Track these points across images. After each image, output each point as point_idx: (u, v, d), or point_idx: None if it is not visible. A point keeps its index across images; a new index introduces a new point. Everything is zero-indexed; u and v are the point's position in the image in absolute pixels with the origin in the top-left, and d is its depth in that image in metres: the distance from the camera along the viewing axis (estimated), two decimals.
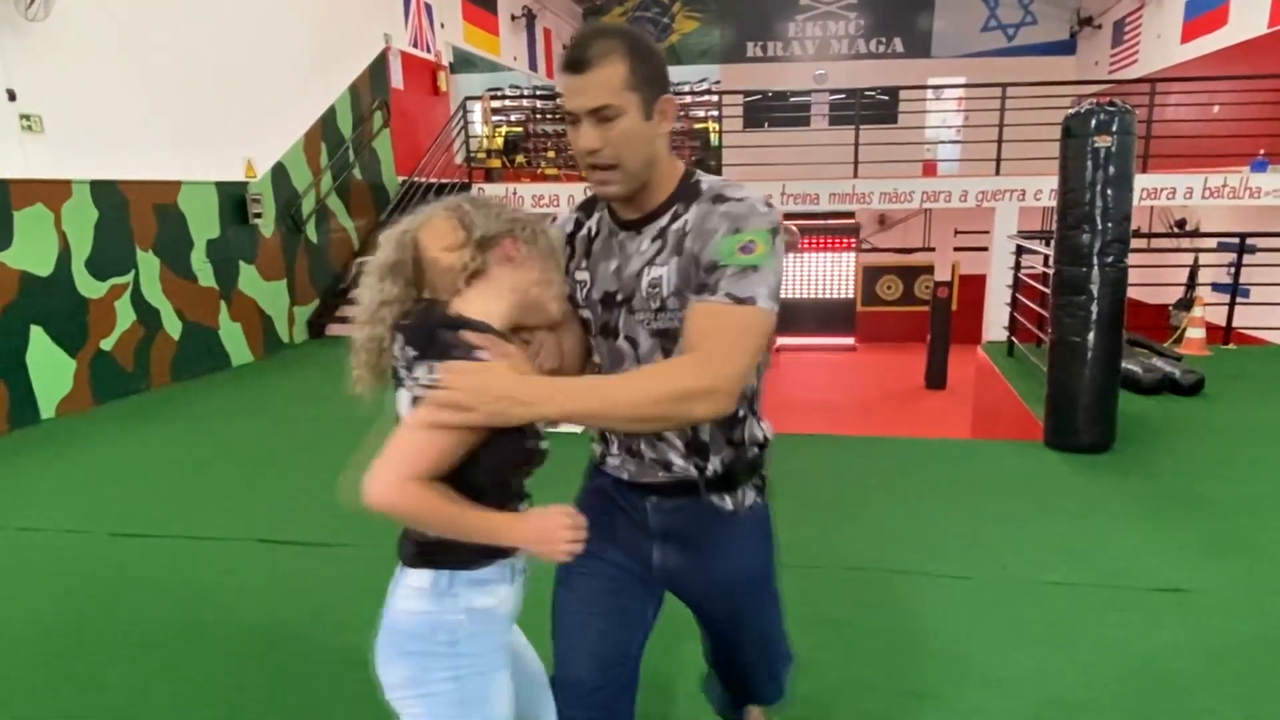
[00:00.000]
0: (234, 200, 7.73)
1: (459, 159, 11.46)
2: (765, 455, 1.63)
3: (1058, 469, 4.57)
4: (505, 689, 1.45)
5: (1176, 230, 11.88)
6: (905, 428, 8.59)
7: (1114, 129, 4.37)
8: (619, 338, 1.53)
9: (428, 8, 11.61)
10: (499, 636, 1.47)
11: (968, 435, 7.47)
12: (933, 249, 14.95)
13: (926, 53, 17.28)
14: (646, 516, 1.61)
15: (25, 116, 5.68)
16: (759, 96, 15.53)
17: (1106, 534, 3.70)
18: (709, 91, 16.28)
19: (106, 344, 6.36)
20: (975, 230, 12.17)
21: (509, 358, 1.32)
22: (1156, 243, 10.89)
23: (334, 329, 9.16)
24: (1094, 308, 4.55)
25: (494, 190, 11.15)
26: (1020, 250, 7.67)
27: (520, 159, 13.66)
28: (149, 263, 6.76)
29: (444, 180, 10.74)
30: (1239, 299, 7.72)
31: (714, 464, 1.56)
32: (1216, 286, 9.58)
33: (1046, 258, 6.02)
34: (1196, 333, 7.36)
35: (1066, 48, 16.79)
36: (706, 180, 1.49)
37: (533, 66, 15.69)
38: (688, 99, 16.23)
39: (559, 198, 10.68)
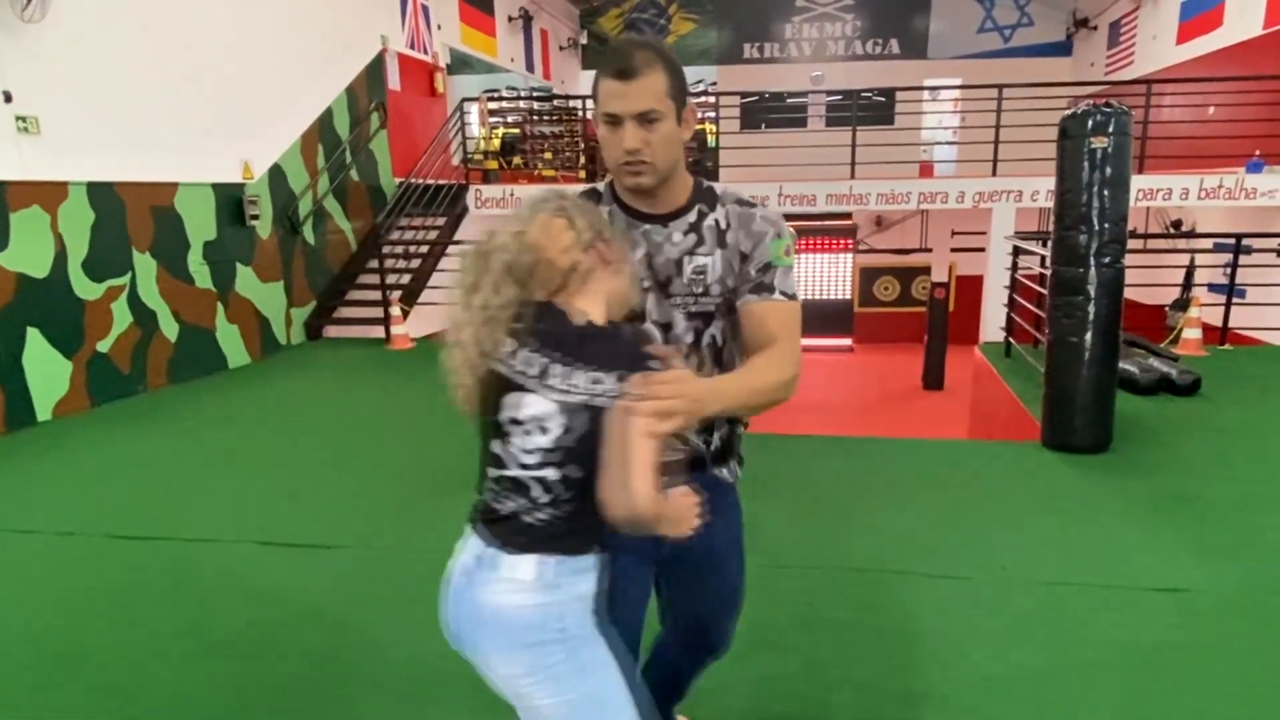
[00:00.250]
0: (231, 202, 7.72)
1: (456, 160, 11.46)
2: (743, 432, 1.84)
3: (1055, 469, 4.57)
4: (614, 640, 1.51)
5: (1173, 231, 11.91)
6: (902, 428, 8.59)
7: (1110, 130, 4.38)
8: (645, 321, 1.67)
9: (424, 9, 11.62)
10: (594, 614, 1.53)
11: (965, 436, 7.48)
12: (930, 250, 14.97)
13: (923, 54, 17.30)
14: (700, 459, 1.75)
15: (21, 118, 5.67)
16: (756, 98, 15.56)
17: (1104, 534, 3.71)
18: (706, 93, 16.33)
19: (103, 346, 6.35)
20: (972, 231, 12.19)
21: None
22: (1153, 243, 10.90)
23: (331, 330, 9.17)
24: (1091, 308, 4.56)
25: (491, 192, 11.16)
26: (1017, 251, 7.68)
27: (517, 160, 13.67)
28: (146, 264, 6.75)
29: (441, 182, 10.74)
30: (1235, 299, 7.73)
31: (715, 439, 1.76)
32: (1213, 287, 9.61)
33: (1043, 258, 6.03)
34: (1193, 333, 7.37)
35: (1062, 49, 16.82)
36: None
37: (529, 68, 15.69)
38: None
39: None
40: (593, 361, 1.37)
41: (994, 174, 10.39)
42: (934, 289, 11.90)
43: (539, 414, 1.39)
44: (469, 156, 11.68)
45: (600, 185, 1.74)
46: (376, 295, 8.93)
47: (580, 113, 14.02)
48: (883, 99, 14.31)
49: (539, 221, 1.44)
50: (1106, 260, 4.50)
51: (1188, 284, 10.32)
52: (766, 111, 16.09)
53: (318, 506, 4.21)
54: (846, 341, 14.91)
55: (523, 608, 1.42)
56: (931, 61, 17.13)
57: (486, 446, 1.50)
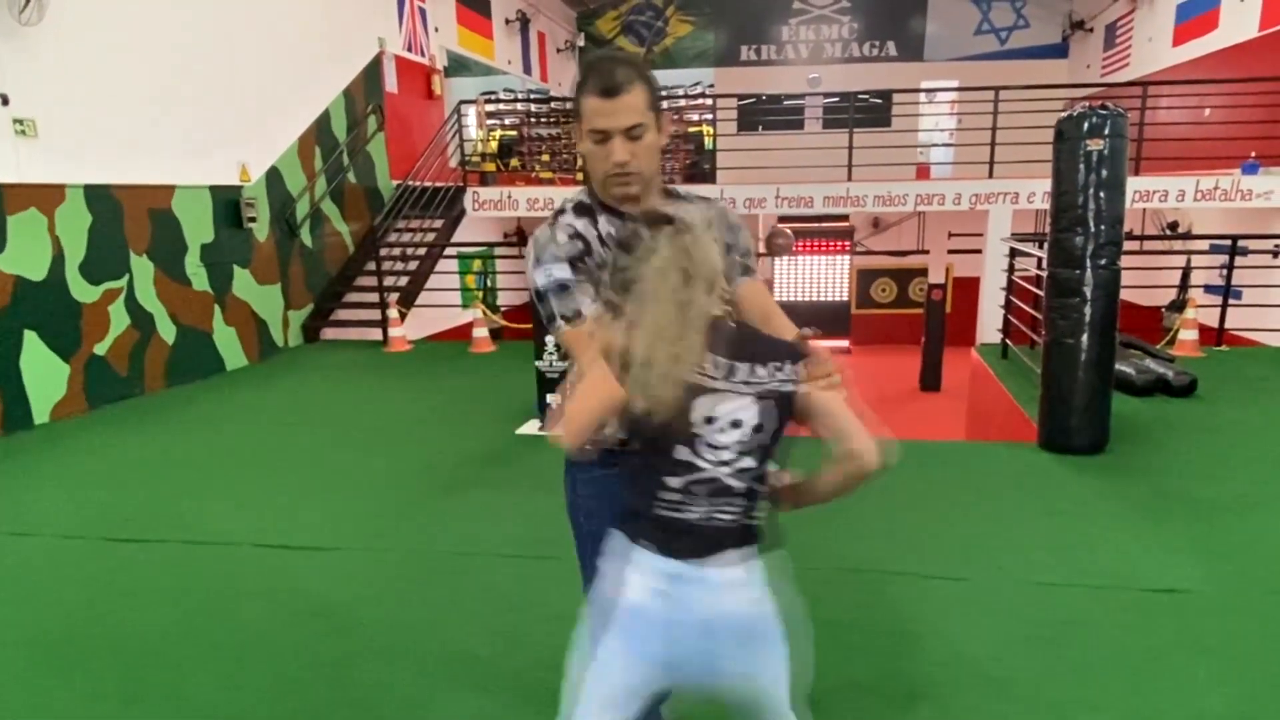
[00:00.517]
0: (228, 204, 7.72)
1: (453, 162, 11.46)
2: None
3: (1052, 470, 4.59)
4: None
5: (1169, 232, 11.93)
6: (900, 429, 8.54)
7: (1106, 132, 4.40)
8: None
9: (422, 12, 11.62)
10: None
11: (962, 437, 7.49)
12: (926, 251, 14.98)
13: (919, 56, 17.33)
14: None
15: (19, 121, 5.67)
16: (753, 100, 15.57)
17: (1101, 535, 3.72)
18: (703, 95, 16.33)
19: (100, 348, 6.34)
20: (969, 233, 12.21)
21: None
22: (1149, 245, 10.92)
23: (329, 333, 9.16)
24: (1087, 310, 4.57)
25: (488, 194, 11.16)
26: (1014, 253, 7.71)
27: (515, 162, 13.66)
28: (143, 267, 6.75)
29: (439, 184, 10.75)
30: (1231, 301, 7.76)
31: None
32: (1209, 288, 9.63)
33: (1040, 260, 6.05)
34: (1189, 334, 7.39)
35: (1059, 51, 16.86)
36: (677, 188, 1.87)
37: (527, 70, 15.70)
38: (682, 102, 16.28)
39: (554, 201, 10.67)
40: (765, 355, 1.48)
41: (990, 176, 10.41)
42: (931, 291, 11.90)
43: (732, 409, 1.45)
44: (466, 159, 11.68)
45: (582, 197, 1.75)
46: (374, 297, 8.93)
47: (578, 115, 13.98)
48: (879, 101, 14.34)
49: (709, 238, 1.48)
50: (1103, 262, 4.52)
51: (1184, 285, 10.34)
52: (764, 114, 16.10)
53: (315, 509, 4.20)
54: (844, 343, 14.91)
55: (751, 603, 1.48)
56: (928, 64, 17.16)
57: (665, 458, 1.46)
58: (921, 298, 14.01)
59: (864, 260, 15.72)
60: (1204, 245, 9.91)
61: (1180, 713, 2.48)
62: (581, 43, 18.22)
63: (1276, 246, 9.06)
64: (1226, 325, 7.77)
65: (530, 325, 6.36)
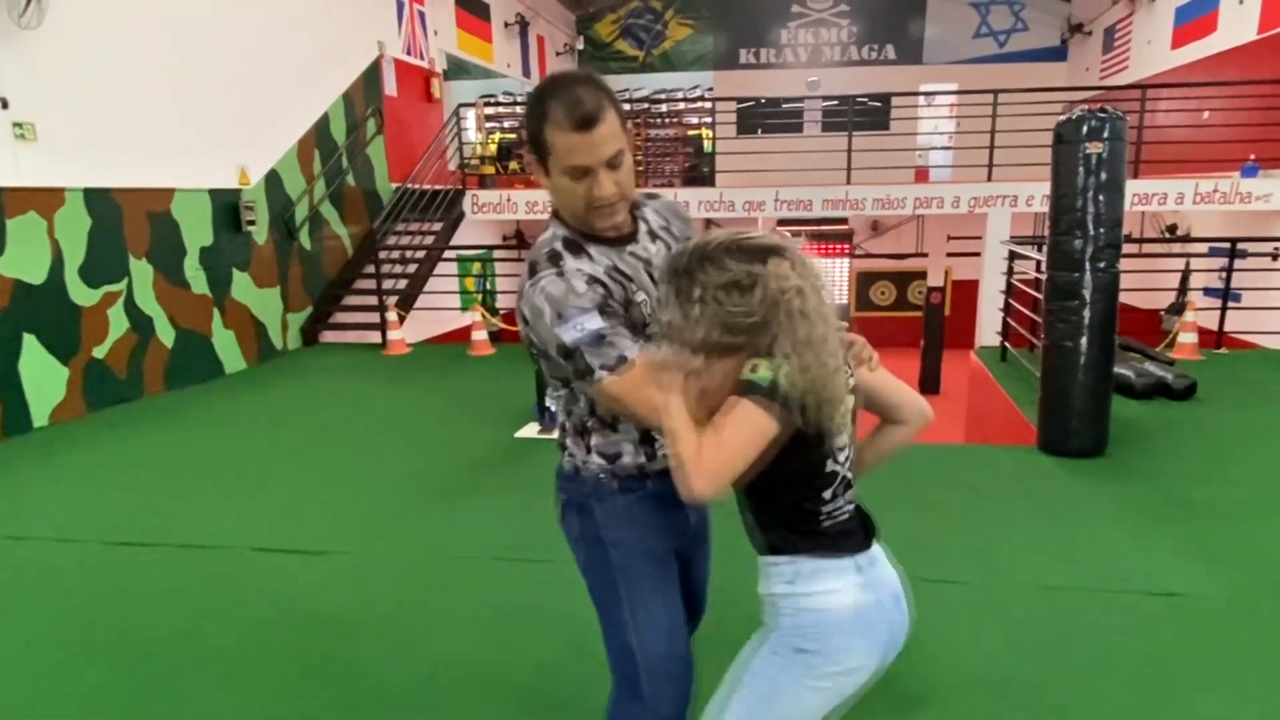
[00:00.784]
0: (227, 207, 7.72)
1: (453, 165, 11.47)
2: None
3: (1051, 473, 4.58)
4: None
5: (1168, 235, 11.94)
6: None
7: (1105, 135, 4.39)
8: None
9: (421, 15, 11.63)
10: None
11: (961, 440, 7.48)
12: (925, 255, 15.00)
13: (918, 59, 17.34)
14: None
15: (18, 124, 5.67)
16: (752, 103, 15.58)
17: (1100, 538, 3.72)
18: (702, 98, 16.35)
19: (99, 352, 6.34)
20: (968, 236, 12.22)
21: None
22: (1148, 248, 10.93)
23: (327, 336, 9.16)
24: (1086, 313, 4.57)
25: (487, 197, 11.16)
26: (1013, 256, 7.71)
27: (514, 165, 13.67)
28: (142, 270, 6.74)
29: (438, 187, 10.75)
30: (1230, 303, 7.76)
31: None
32: (1208, 291, 9.63)
33: (1039, 263, 6.05)
34: (1188, 337, 7.39)
35: (1057, 54, 16.87)
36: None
37: (526, 73, 15.71)
38: (681, 105, 16.29)
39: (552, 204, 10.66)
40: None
41: (989, 179, 10.41)
42: (930, 294, 11.93)
43: (849, 408, 1.52)
44: (465, 162, 11.69)
45: (564, 233, 1.61)
46: (373, 300, 8.93)
47: None
48: (879, 104, 14.35)
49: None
50: (1101, 265, 4.52)
51: (1183, 288, 10.34)
52: (763, 117, 16.11)
53: (314, 512, 4.20)
54: None
55: (897, 568, 1.61)
56: (927, 67, 17.17)
57: (819, 473, 1.50)
58: (920, 301, 14.03)
59: (863, 263, 15.73)
60: (1203, 248, 9.92)
61: (1180, 717, 2.47)
62: (581, 46, 18.24)
63: (1276, 249, 9.07)
64: (1226, 328, 7.77)
65: None
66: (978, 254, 10.89)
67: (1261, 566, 3.40)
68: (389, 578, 3.46)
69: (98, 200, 6.29)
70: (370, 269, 9.16)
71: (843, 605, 1.50)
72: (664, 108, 15.79)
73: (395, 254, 9.72)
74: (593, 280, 1.54)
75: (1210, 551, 3.55)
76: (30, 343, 5.78)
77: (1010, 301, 7.53)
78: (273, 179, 8.39)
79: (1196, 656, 2.76)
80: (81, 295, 6.18)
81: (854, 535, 1.56)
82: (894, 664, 2.78)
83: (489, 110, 13.85)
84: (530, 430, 5.51)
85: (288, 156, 8.64)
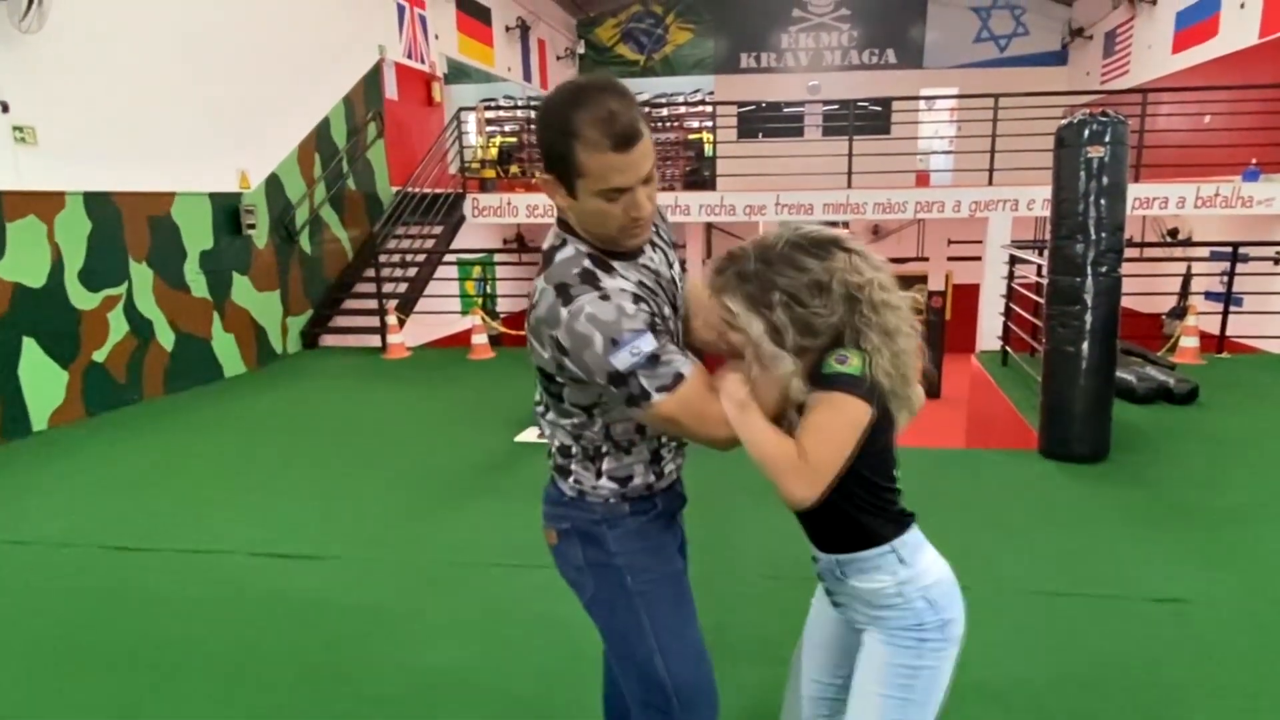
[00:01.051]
0: (227, 211, 7.71)
1: (453, 169, 11.47)
2: None
3: (1053, 478, 4.56)
4: None
5: (1169, 239, 11.92)
6: (899, 437, 8.57)
7: (1106, 139, 4.38)
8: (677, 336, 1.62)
9: (422, 19, 11.64)
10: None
11: (962, 444, 7.46)
12: (926, 259, 14.98)
13: (919, 64, 17.34)
14: (685, 500, 1.78)
15: (19, 128, 5.66)
16: (753, 107, 15.58)
17: (1103, 544, 3.70)
18: (703, 102, 16.36)
19: (99, 355, 6.33)
20: (969, 240, 12.20)
21: None
22: (1149, 252, 10.91)
23: (327, 339, 9.15)
24: (1088, 317, 4.56)
25: (488, 200, 11.16)
26: (1014, 260, 7.70)
27: (515, 169, 13.68)
28: (142, 274, 6.74)
29: (438, 190, 10.74)
30: (1232, 308, 7.74)
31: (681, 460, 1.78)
32: (1210, 295, 9.61)
33: (1040, 267, 6.04)
34: (1190, 341, 7.37)
35: (1058, 58, 16.87)
36: None
37: (527, 77, 15.72)
38: (682, 109, 16.30)
39: (553, 208, 10.65)
40: None
41: (990, 183, 10.40)
42: (930, 298, 11.90)
43: None
44: (466, 165, 11.69)
45: (590, 250, 1.48)
46: (373, 304, 8.92)
47: None
48: (879, 108, 14.34)
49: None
50: (1103, 269, 4.50)
51: (1184, 292, 10.32)
52: (763, 121, 16.11)
53: (312, 517, 4.18)
54: None
55: None
56: (928, 71, 17.17)
57: (890, 455, 1.53)
58: (921, 305, 13.98)
59: None
60: (1205, 252, 9.89)
61: None
62: (581, 50, 18.26)
63: (1278, 253, 9.04)
64: (1228, 332, 7.76)
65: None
66: (978, 258, 10.88)
67: (1266, 572, 3.38)
68: (387, 584, 3.45)
69: (98, 204, 6.28)
70: (370, 272, 9.16)
71: (944, 567, 1.56)
72: (665, 112, 15.81)
73: (395, 258, 9.72)
74: (638, 298, 1.43)
75: (1214, 557, 3.53)
76: (30, 346, 5.77)
77: (1011, 306, 7.51)
78: (273, 182, 8.39)
79: (1198, 664, 2.74)
80: (81, 299, 6.17)
81: (907, 507, 1.57)
82: None
83: (490, 114, 13.86)
84: (530, 435, 5.49)
85: (288, 160, 8.64)
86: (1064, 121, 4.58)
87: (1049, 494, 4.36)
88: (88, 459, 5.24)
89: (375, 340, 8.74)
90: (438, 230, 10.43)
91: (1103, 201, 4.44)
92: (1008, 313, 7.57)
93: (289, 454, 5.34)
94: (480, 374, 7.73)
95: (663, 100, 16.75)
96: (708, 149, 14.47)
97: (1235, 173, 9.64)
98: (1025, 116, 9.73)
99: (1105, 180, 4.42)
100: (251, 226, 7.96)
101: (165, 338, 6.99)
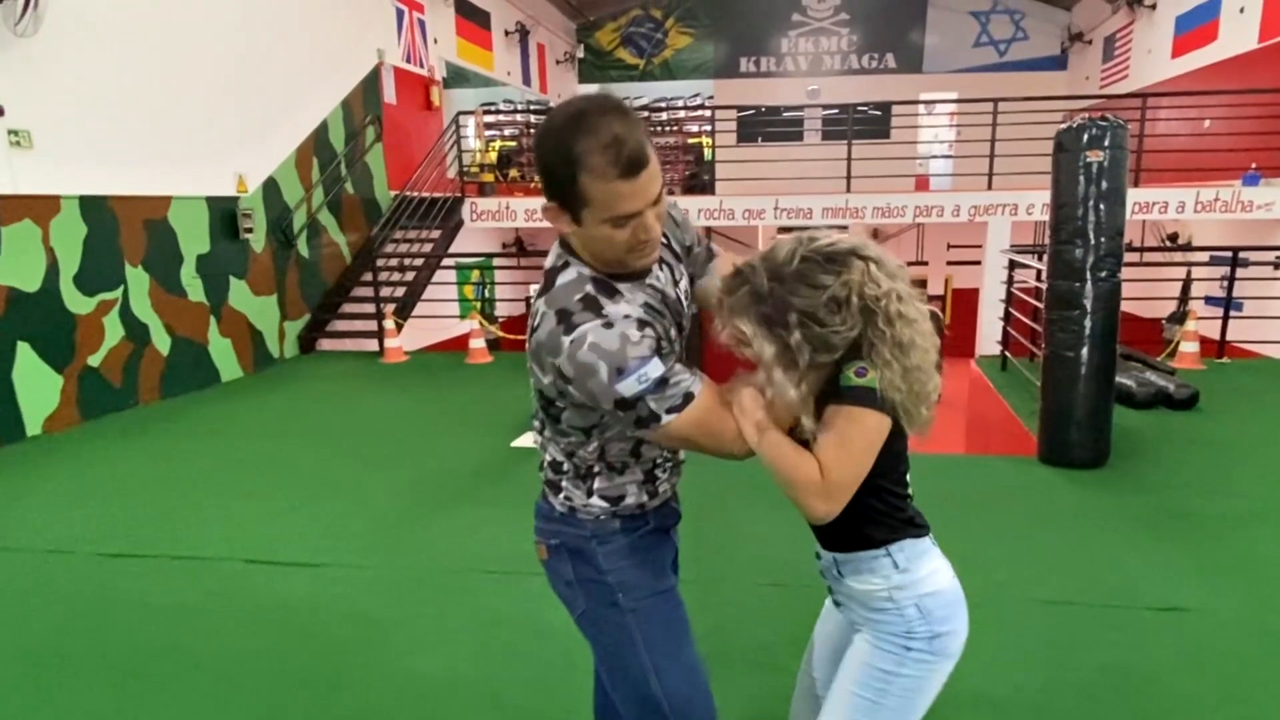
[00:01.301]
0: (224, 215, 7.69)
1: (452, 173, 11.45)
2: None
3: (1052, 485, 4.53)
4: None
5: (1169, 244, 11.91)
6: None
7: (1106, 144, 4.36)
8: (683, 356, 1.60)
9: (421, 24, 11.63)
10: None
11: (961, 449, 7.43)
12: (926, 263, 14.96)
13: (918, 68, 17.34)
14: (679, 516, 1.74)
15: (14, 132, 5.65)
16: (752, 111, 15.58)
17: (1102, 551, 3.67)
18: (702, 106, 16.35)
19: (94, 360, 6.30)
20: (968, 245, 12.18)
21: None
22: (1149, 256, 10.89)
23: (325, 344, 9.13)
24: (1087, 322, 4.53)
25: (486, 205, 11.14)
26: (1013, 265, 7.67)
27: (514, 173, 13.67)
28: (138, 278, 6.71)
29: (436, 194, 10.73)
30: (1232, 312, 7.72)
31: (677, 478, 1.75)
32: (1210, 300, 9.60)
33: (1039, 272, 6.01)
34: (1190, 346, 7.35)
35: (1058, 63, 16.88)
36: None
37: (526, 81, 15.72)
38: (681, 114, 16.29)
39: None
40: None
41: (989, 188, 10.38)
42: (930, 302, 11.87)
43: None
44: (465, 169, 11.67)
45: (593, 274, 1.42)
46: (371, 308, 8.90)
47: None
48: (879, 113, 14.33)
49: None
50: (1103, 274, 4.48)
51: (1185, 297, 10.31)
52: (763, 125, 16.11)
53: (306, 523, 4.15)
54: None
55: None
56: (927, 75, 17.18)
57: (904, 456, 1.51)
58: (942, 320, 13.96)
59: None
60: (1204, 257, 9.88)
61: None
62: (581, 54, 18.26)
63: (1278, 258, 9.03)
64: (1228, 337, 7.74)
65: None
66: (978, 262, 10.86)
67: (1267, 580, 3.35)
68: (380, 591, 3.42)
69: (93, 208, 6.26)
70: (368, 276, 9.15)
71: (949, 580, 1.52)
72: (664, 116, 15.80)
73: (393, 261, 9.71)
74: (642, 323, 1.37)
75: (1215, 565, 3.50)
76: (24, 351, 5.74)
77: (1010, 310, 7.49)
78: (270, 187, 8.37)
79: (1201, 674, 2.71)
80: (76, 303, 6.15)
81: (920, 512, 1.55)
82: None
83: (489, 118, 13.85)
84: (526, 440, 5.47)
85: (286, 164, 8.62)
86: (1063, 126, 4.55)
87: (1048, 500, 4.33)
88: (82, 464, 5.21)
89: (373, 344, 8.72)
90: (436, 234, 10.41)
91: (1102, 206, 4.41)
92: (1007, 318, 7.55)
93: (284, 459, 5.31)
94: (478, 378, 7.70)
95: (662, 105, 16.74)
96: (707, 153, 14.45)
97: (1235, 177, 9.62)
98: (1025, 121, 9.72)
99: (1104, 185, 4.39)
100: (249, 230, 7.93)
101: (161, 342, 6.97)
